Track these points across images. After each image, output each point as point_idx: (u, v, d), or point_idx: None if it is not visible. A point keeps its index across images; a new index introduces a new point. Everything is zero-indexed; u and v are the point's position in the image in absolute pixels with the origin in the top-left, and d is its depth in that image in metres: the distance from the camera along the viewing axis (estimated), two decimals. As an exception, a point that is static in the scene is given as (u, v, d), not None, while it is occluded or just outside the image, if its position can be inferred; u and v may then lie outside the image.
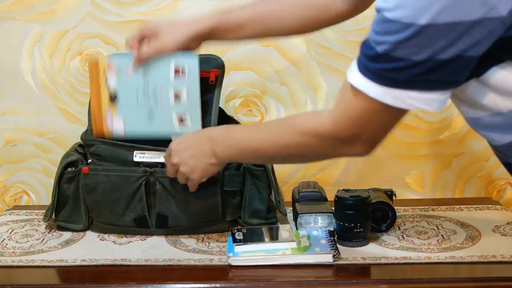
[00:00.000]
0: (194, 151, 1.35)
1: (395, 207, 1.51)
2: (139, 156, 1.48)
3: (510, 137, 1.13)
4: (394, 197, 1.58)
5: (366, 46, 1.06)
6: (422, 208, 1.67)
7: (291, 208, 1.60)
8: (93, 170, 1.49)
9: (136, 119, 1.41)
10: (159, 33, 1.41)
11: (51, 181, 1.74)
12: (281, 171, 1.82)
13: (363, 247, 1.43)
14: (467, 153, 1.82)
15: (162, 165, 1.45)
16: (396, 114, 1.10)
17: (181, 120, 1.39)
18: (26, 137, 1.82)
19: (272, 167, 1.57)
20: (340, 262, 1.36)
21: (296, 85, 1.78)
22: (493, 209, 1.66)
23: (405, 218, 1.60)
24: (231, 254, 1.36)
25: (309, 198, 1.57)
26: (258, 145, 1.27)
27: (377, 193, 1.54)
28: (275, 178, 1.57)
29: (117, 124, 1.37)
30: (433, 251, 1.40)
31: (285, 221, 1.57)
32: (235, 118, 1.66)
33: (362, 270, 1.35)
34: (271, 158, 1.35)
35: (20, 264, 1.40)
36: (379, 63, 1.04)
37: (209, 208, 1.49)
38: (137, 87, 1.44)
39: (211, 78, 1.49)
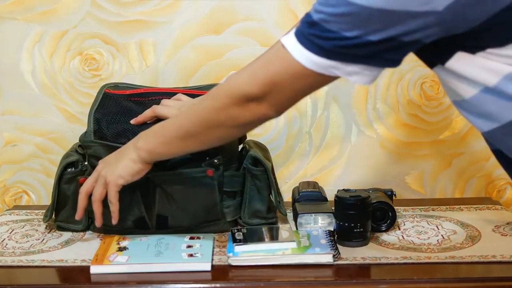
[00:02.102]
0: (119, 154, 1.38)
1: (395, 207, 1.51)
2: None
3: (488, 125, 1.14)
4: (394, 197, 1.59)
5: (307, 14, 1.11)
6: (422, 208, 1.67)
7: (291, 208, 1.60)
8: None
9: (142, 257, 1.40)
10: None
11: (51, 181, 1.74)
12: (281, 171, 1.82)
13: (363, 247, 1.43)
14: (467, 153, 1.82)
15: (158, 165, 1.45)
16: (313, 81, 1.14)
17: (191, 255, 1.39)
18: (26, 137, 1.82)
19: (272, 168, 1.58)
20: (340, 262, 1.36)
21: (296, 85, 1.78)
22: (493, 209, 1.66)
23: (405, 218, 1.60)
24: (231, 254, 1.36)
25: (309, 198, 1.57)
26: (178, 124, 1.29)
27: (377, 193, 1.54)
28: (275, 178, 1.57)
29: (120, 259, 1.38)
30: (433, 251, 1.40)
31: (285, 221, 1.58)
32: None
33: (362, 270, 1.35)
34: (193, 135, 1.29)
35: (20, 264, 1.40)
36: (311, 29, 1.09)
37: (208, 207, 1.49)
38: (148, 243, 1.44)
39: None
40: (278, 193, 1.57)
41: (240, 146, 1.58)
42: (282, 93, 1.16)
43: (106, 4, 1.76)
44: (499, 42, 1.05)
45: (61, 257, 1.42)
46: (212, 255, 1.39)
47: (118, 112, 1.52)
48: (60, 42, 1.78)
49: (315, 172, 1.83)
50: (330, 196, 1.54)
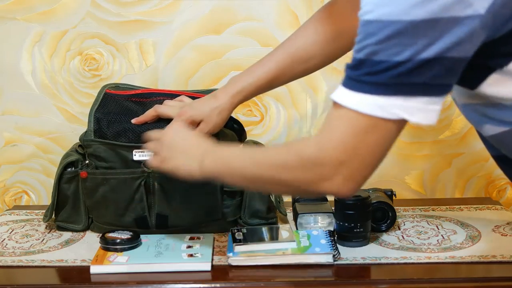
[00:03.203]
0: (186, 148, 1.31)
1: (395, 207, 1.51)
2: (138, 155, 1.47)
3: (502, 128, 1.11)
4: (394, 197, 1.59)
5: (349, 62, 1.03)
6: (422, 208, 1.67)
7: (291, 208, 1.60)
8: (91, 173, 1.49)
9: (142, 258, 1.40)
10: (203, 121, 1.43)
11: (51, 181, 1.75)
12: (281, 171, 1.82)
13: (363, 247, 1.43)
14: (467, 153, 1.82)
15: None
16: (383, 131, 1.02)
17: (191, 255, 1.39)
18: (26, 137, 1.82)
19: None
20: (340, 262, 1.36)
21: (296, 85, 1.78)
22: (493, 209, 1.66)
23: (405, 218, 1.60)
24: (231, 254, 1.36)
25: (309, 198, 1.57)
26: (243, 162, 1.18)
27: (377, 193, 1.54)
28: (275, 178, 1.57)
29: (120, 259, 1.38)
30: (433, 251, 1.40)
31: (285, 221, 1.58)
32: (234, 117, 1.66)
33: (362, 270, 1.35)
34: (251, 179, 1.16)
35: (20, 264, 1.40)
36: (360, 69, 1.00)
37: (209, 207, 1.49)
38: (148, 244, 1.44)
39: None
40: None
41: (241, 146, 1.58)
42: (357, 158, 1.02)
43: (106, 4, 1.76)
44: None
45: (61, 257, 1.42)
46: (212, 255, 1.39)
47: (119, 112, 1.52)
48: (60, 42, 1.78)
49: (315, 172, 1.83)
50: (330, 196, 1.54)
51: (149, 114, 1.48)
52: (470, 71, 1.04)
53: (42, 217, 1.59)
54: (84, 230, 1.55)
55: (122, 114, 1.51)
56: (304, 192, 1.20)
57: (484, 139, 1.20)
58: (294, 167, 1.07)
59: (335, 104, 1.03)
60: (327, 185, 1.05)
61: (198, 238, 1.46)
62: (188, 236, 1.47)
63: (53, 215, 1.55)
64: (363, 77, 1.00)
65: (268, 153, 1.17)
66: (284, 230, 1.44)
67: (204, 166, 1.23)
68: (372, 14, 0.99)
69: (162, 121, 1.46)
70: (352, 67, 1.01)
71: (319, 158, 1.04)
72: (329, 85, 1.78)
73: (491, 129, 1.13)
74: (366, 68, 1.00)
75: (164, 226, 1.50)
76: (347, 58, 1.08)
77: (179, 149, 1.31)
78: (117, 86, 1.61)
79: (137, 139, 1.47)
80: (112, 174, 1.48)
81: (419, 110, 1.00)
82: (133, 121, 1.49)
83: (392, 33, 0.97)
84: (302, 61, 1.41)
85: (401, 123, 1.02)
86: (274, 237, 1.42)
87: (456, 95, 1.17)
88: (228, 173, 1.21)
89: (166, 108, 1.48)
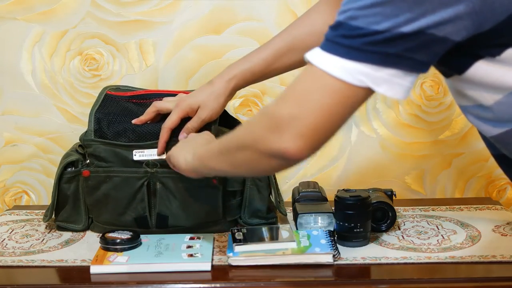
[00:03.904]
0: (188, 143, 1.36)
1: (395, 207, 1.51)
2: (138, 155, 1.48)
3: (498, 129, 1.11)
4: (394, 197, 1.59)
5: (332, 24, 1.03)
6: (422, 208, 1.67)
7: (291, 208, 1.60)
8: (94, 172, 1.49)
9: (142, 258, 1.40)
10: (200, 107, 1.45)
11: (51, 181, 1.74)
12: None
13: (363, 247, 1.43)
14: (467, 153, 1.82)
15: (162, 163, 1.45)
16: (346, 95, 1.00)
17: (191, 256, 1.39)
18: (26, 137, 1.82)
19: (272, 167, 1.57)
20: (340, 262, 1.36)
21: (296, 85, 1.78)
22: (493, 209, 1.66)
23: (405, 218, 1.60)
24: (231, 254, 1.36)
25: (309, 198, 1.57)
26: (219, 143, 1.22)
27: (377, 193, 1.54)
28: (275, 178, 1.57)
29: (120, 259, 1.38)
30: (433, 251, 1.40)
31: (285, 221, 1.58)
32: (234, 117, 1.66)
33: (362, 270, 1.35)
34: (226, 153, 1.18)
35: (20, 264, 1.40)
36: (337, 30, 1.00)
37: (210, 209, 1.50)
38: (149, 244, 1.44)
39: None
40: (278, 193, 1.57)
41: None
42: (311, 114, 1.00)
43: (106, 4, 1.76)
44: None
45: (61, 257, 1.42)
46: (212, 255, 1.39)
47: (119, 113, 1.52)
48: (60, 42, 1.78)
49: (315, 172, 1.83)
50: (330, 196, 1.54)
51: (149, 111, 1.50)
52: (459, 57, 1.04)
53: (42, 217, 1.59)
54: (84, 230, 1.55)
55: (122, 114, 1.52)
56: (257, 157, 1.08)
57: (485, 138, 1.20)
58: (255, 122, 1.10)
59: (307, 63, 1.02)
60: (276, 139, 1.01)
61: (198, 238, 1.46)
62: (188, 236, 1.47)
63: (53, 215, 1.55)
64: (338, 39, 1.00)
65: (240, 129, 1.17)
66: (284, 230, 1.44)
67: (194, 154, 1.28)
68: None
69: (163, 120, 1.47)
70: (331, 28, 1.01)
71: (276, 109, 1.02)
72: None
73: (489, 131, 1.13)
74: (342, 30, 0.99)
75: (164, 226, 1.50)
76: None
77: (186, 146, 1.35)
78: (117, 88, 1.61)
79: (137, 139, 1.47)
80: (115, 173, 1.48)
81: (385, 81, 0.99)
82: (134, 121, 1.49)
83: (377, 2, 0.97)
84: (298, 51, 1.41)
85: (366, 92, 1.00)
86: (274, 237, 1.42)
87: (453, 96, 1.18)
88: (207, 156, 1.23)
89: (164, 102, 1.50)
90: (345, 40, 0.99)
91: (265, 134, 1.04)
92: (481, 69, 1.05)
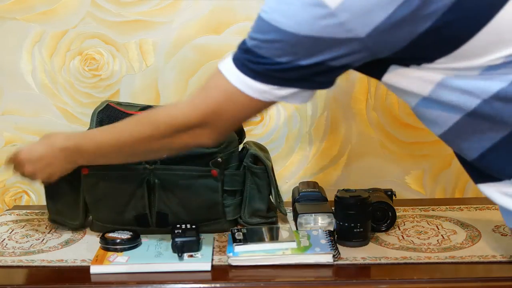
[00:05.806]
0: (50, 160, 1.37)
1: (395, 207, 1.51)
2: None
3: (437, 130, 1.18)
4: (394, 197, 1.59)
5: (242, 41, 1.15)
6: (422, 208, 1.67)
7: (291, 208, 1.60)
8: (93, 170, 1.49)
9: (142, 258, 1.40)
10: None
11: (51, 181, 1.74)
12: (281, 171, 1.82)
13: (363, 247, 1.43)
14: (467, 153, 1.82)
15: (162, 161, 1.45)
16: (253, 107, 1.17)
17: (191, 256, 1.39)
18: (26, 137, 1.82)
19: (272, 168, 1.57)
20: (340, 262, 1.36)
21: (296, 85, 1.78)
22: (493, 209, 1.66)
23: (405, 218, 1.60)
24: (231, 254, 1.36)
25: (309, 198, 1.57)
26: (116, 140, 1.30)
27: (377, 193, 1.54)
28: (275, 178, 1.57)
29: (120, 259, 1.38)
30: (433, 251, 1.40)
31: (285, 221, 1.58)
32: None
33: (362, 270, 1.35)
34: (131, 153, 1.32)
35: (20, 264, 1.40)
36: (246, 55, 1.13)
37: (210, 206, 1.50)
38: (149, 244, 1.44)
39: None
40: (278, 193, 1.57)
41: (241, 146, 1.58)
42: (223, 120, 1.19)
43: (106, 4, 1.76)
44: (427, 60, 1.09)
45: (61, 257, 1.42)
46: (212, 255, 1.39)
47: (121, 119, 1.51)
48: (60, 42, 1.78)
49: (315, 172, 1.83)
50: (330, 196, 1.54)
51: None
52: (377, 65, 1.13)
53: (42, 217, 1.59)
54: (79, 227, 1.55)
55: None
56: (172, 150, 1.30)
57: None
58: (167, 135, 1.23)
59: (219, 72, 1.16)
60: (196, 135, 1.21)
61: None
62: None
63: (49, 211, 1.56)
64: (246, 62, 1.13)
65: (134, 128, 1.28)
66: (284, 230, 1.45)
67: (80, 163, 1.37)
68: (267, 14, 1.10)
69: None
70: (241, 49, 1.15)
71: (191, 118, 1.19)
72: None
73: (436, 131, 1.19)
74: (250, 56, 1.13)
75: (164, 225, 1.50)
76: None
77: (43, 167, 1.38)
78: (119, 103, 1.60)
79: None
80: (114, 170, 1.48)
81: (291, 96, 1.15)
82: None
83: (276, 39, 1.09)
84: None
85: (267, 104, 1.17)
86: (274, 237, 1.42)
87: None
88: (105, 156, 1.34)
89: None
90: (252, 64, 1.13)
91: (181, 135, 1.22)
92: (396, 73, 1.13)
